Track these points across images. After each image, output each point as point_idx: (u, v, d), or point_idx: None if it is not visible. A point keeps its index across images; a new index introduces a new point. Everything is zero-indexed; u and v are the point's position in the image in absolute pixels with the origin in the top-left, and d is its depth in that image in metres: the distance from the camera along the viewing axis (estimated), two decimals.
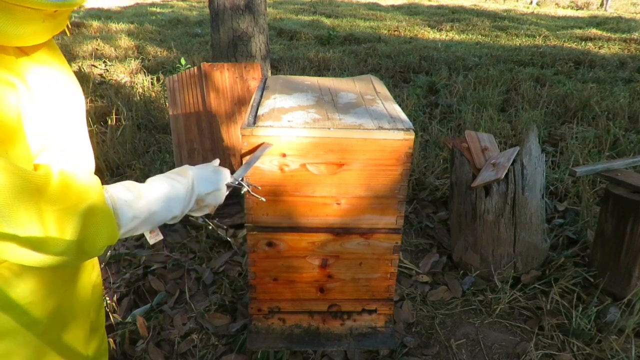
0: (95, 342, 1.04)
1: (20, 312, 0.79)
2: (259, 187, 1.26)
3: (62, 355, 0.89)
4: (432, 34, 8.99)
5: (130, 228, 0.82)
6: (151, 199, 0.85)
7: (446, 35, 8.92)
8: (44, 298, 0.83)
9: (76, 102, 0.85)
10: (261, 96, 1.49)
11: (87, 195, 0.74)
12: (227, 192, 1.06)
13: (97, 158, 3.22)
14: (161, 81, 5.16)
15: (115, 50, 6.82)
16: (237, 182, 1.10)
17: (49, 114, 0.76)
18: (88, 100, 4.47)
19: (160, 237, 0.95)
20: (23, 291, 0.79)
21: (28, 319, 0.81)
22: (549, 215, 2.72)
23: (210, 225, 1.12)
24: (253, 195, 1.20)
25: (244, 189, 1.14)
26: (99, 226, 0.74)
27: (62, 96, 0.81)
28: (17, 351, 0.80)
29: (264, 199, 1.26)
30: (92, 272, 0.99)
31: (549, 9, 15.30)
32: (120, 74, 5.57)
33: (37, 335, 0.83)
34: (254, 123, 1.26)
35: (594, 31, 9.26)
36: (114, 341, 1.80)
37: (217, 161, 1.09)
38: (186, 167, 0.96)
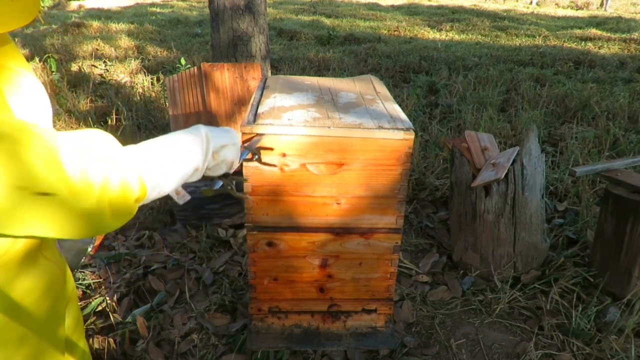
0: (81, 345, 1.03)
1: (21, 313, 0.79)
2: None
3: (58, 350, 0.89)
4: (432, 34, 8.99)
5: (157, 184, 0.80)
6: (171, 151, 0.84)
7: (446, 35, 8.92)
8: (41, 297, 0.83)
9: (45, 107, 0.82)
10: (261, 95, 1.49)
11: (110, 152, 0.72)
12: (242, 158, 1.07)
13: None
14: (161, 81, 5.16)
15: (115, 50, 6.83)
16: (252, 148, 1.14)
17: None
18: (88, 100, 4.47)
19: (188, 197, 0.95)
20: (23, 291, 0.79)
21: (28, 319, 0.81)
22: (549, 215, 2.72)
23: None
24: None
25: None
26: (128, 185, 0.72)
27: (31, 101, 0.77)
28: (18, 352, 0.80)
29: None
30: (66, 284, 0.98)
31: (549, 9, 15.31)
32: (120, 74, 5.57)
33: (36, 333, 0.83)
34: (254, 121, 1.26)
35: (594, 31, 9.26)
36: (114, 341, 1.80)
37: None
38: (196, 125, 0.96)
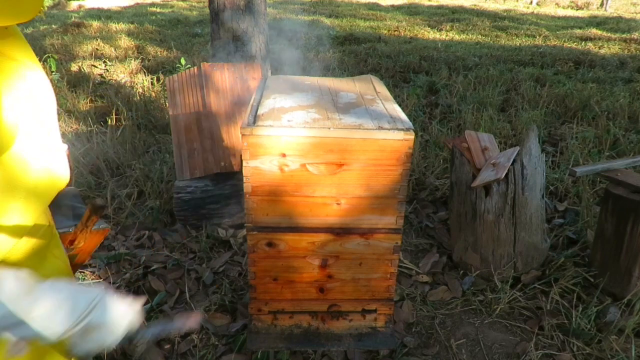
0: None
1: None
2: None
3: (61, 351, 0.89)
4: (432, 34, 8.99)
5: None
6: (36, 305, 0.68)
7: (446, 35, 8.92)
8: None
9: (48, 103, 0.81)
10: (261, 96, 1.49)
11: None
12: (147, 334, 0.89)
13: (97, 158, 3.23)
14: (161, 81, 5.16)
15: (115, 50, 6.82)
16: (139, 338, 0.90)
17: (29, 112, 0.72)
18: (88, 100, 4.47)
19: (24, 351, 0.71)
20: None
21: None
22: (549, 215, 2.72)
23: None
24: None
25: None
26: None
27: (33, 95, 0.75)
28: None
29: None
30: None
31: (549, 9, 15.30)
32: (120, 74, 5.57)
33: None
34: (254, 122, 1.26)
35: (594, 31, 9.26)
36: None
37: (142, 301, 0.88)
38: (100, 288, 0.77)
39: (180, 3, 14.50)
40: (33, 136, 0.74)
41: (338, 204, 1.36)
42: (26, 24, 9.47)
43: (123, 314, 0.79)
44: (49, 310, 0.69)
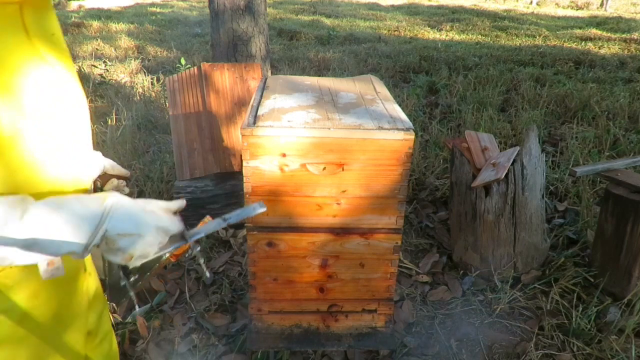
0: (97, 347, 1.03)
1: (22, 316, 0.79)
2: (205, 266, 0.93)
3: (63, 356, 0.89)
4: (432, 34, 8.99)
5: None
6: (37, 222, 0.66)
7: (446, 35, 8.92)
8: (46, 301, 0.83)
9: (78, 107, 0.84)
10: (261, 96, 1.49)
11: None
12: (168, 249, 0.79)
13: None
14: (161, 81, 5.16)
15: (115, 50, 6.82)
16: (189, 239, 0.81)
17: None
18: (88, 100, 4.46)
19: (61, 272, 0.73)
20: (25, 295, 0.79)
21: (31, 322, 0.81)
22: (549, 215, 2.72)
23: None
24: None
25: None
26: None
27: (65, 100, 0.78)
28: (19, 353, 0.80)
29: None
30: (86, 277, 0.97)
31: (549, 9, 15.30)
32: (120, 74, 5.57)
33: (39, 336, 0.83)
34: (254, 123, 1.26)
35: (594, 31, 9.26)
36: None
37: (177, 203, 0.83)
38: (110, 193, 0.74)
39: (180, 3, 14.50)
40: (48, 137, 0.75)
41: (338, 204, 1.36)
42: None
43: (145, 217, 0.74)
44: (52, 228, 0.66)
